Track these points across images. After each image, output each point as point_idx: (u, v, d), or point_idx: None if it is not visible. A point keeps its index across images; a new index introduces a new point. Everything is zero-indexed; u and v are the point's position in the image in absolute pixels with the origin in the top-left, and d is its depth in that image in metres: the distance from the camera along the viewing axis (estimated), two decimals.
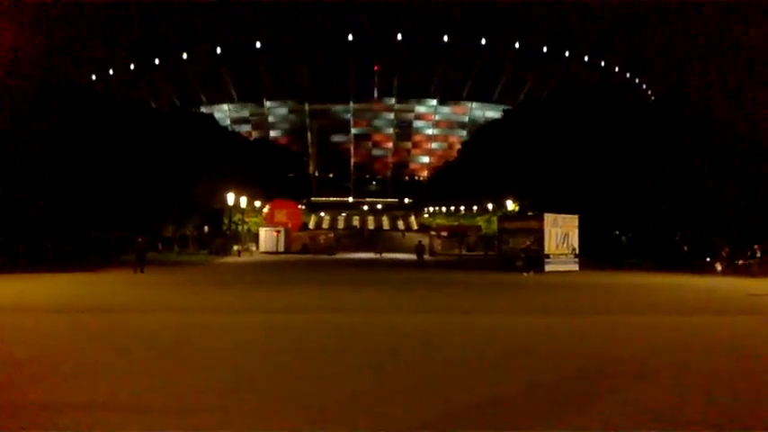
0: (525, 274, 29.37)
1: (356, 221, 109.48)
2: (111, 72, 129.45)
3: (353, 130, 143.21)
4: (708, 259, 37.93)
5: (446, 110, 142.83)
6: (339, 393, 6.50)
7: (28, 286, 21.32)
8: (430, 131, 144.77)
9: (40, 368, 7.71)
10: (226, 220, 62.90)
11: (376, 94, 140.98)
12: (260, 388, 6.77)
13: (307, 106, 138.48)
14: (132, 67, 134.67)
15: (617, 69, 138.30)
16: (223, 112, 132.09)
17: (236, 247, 56.51)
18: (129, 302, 16.43)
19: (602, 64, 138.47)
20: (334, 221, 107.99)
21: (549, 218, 33.74)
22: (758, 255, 32.10)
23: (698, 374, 7.75)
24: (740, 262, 34.04)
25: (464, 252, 67.06)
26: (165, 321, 12.58)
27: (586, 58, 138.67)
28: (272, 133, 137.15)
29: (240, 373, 7.48)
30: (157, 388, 6.69)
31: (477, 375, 7.59)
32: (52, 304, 15.75)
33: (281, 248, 63.84)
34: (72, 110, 37.18)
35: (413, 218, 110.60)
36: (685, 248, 42.74)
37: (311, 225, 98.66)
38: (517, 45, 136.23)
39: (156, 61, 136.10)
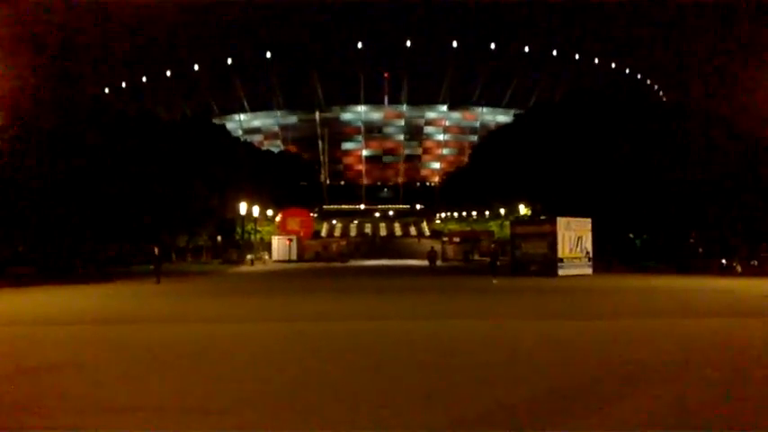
0: (495, 281, 27.30)
1: (368, 229, 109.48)
2: (123, 85, 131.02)
3: (364, 138, 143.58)
4: (723, 261, 37.60)
5: (456, 115, 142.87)
6: (350, 399, 6.54)
7: (45, 299, 21.57)
8: (441, 137, 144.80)
9: (68, 377, 7.84)
10: (239, 230, 63.19)
11: (386, 101, 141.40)
12: (274, 394, 6.83)
13: (318, 115, 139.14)
14: (144, 79, 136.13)
15: (628, 71, 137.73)
16: (235, 123, 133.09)
17: (249, 256, 56.78)
18: (150, 314, 16.60)
19: (613, 66, 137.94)
20: (346, 229, 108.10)
21: (561, 222, 33.55)
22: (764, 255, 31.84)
23: (716, 379, 7.70)
24: (754, 263, 33.73)
25: (476, 257, 66.87)
26: (187, 331, 12.70)
27: (597, 61, 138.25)
28: (284, 142, 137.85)
29: (255, 380, 7.55)
30: (179, 393, 6.79)
31: (488, 382, 7.59)
32: (72, 317, 15.96)
33: (294, 257, 64.08)
34: (86, 123, 37.67)
35: (425, 224, 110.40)
36: (700, 250, 42.37)
37: (323, 233, 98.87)
38: (527, 49, 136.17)
39: (168, 73, 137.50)
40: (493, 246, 33.67)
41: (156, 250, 30.57)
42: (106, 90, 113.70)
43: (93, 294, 23.07)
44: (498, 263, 30.18)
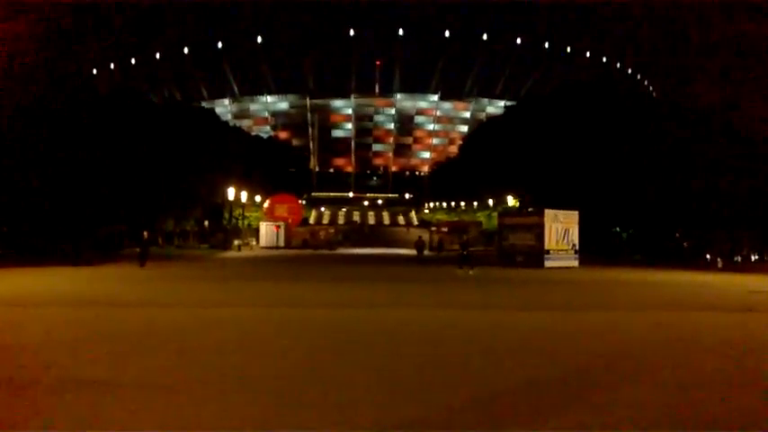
0: (459, 271, 26.90)
1: (357, 217, 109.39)
2: (111, 66, 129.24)
3: (354, 126, 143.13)
4: (708, 256, 38.01)
5: (447, 105, 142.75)
6: (335, 387, 6.53)
7: (31, 281, 21.35)
8: (431, 127, 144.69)
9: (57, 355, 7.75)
10: (226, 215, 62.95)
11: (377, 90, 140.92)
12: (250, 378, 6.80)
13: (308, 101, 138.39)
14: (133, 61, 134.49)
15: (618, 66, 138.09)
16: (224, 107, 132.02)
17: (236, 242, 56.59)
18: (129, 298, 16.47)
19: (604, 60, 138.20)
20: (334, 217, 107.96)
21: (549, 214, 33.71)
22: (745, 252, 32.31)
23: (697, 371, 7.78)
24: (738, 258, 34.17)
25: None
26: (170, 316, 12.62)
27: (588, 55, 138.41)
28: (273, 128, 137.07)
29: (235, 364, 7.53)
30: (164, 374, 6.74)
31: (475, 371, 7.62)
32: (57, 299, 15.83)
33: (282, 243, 63.92)
34: (72, 104, 37.18)
35: (413, 213, 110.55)
36: (685, 245, 42.80)
37: (312, 220, 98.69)
38: (519, 41, 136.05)
39: (158, 56, 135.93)
40: (465, 237, 33.36)
41: (145, 234, 30.37)
42: (94, 71, 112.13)
43: (76, 277, 22.85)
44: (466, 253, 28.74)
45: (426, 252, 43.50)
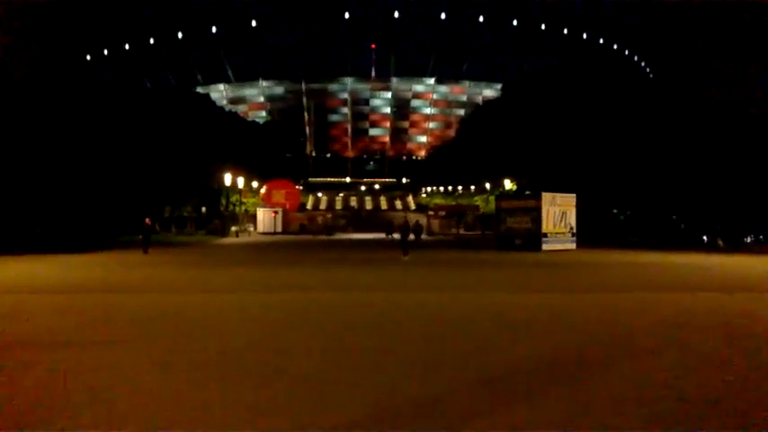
0: (405, 257, 25.71)
1: (354, 202, 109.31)
2: (105, 52, 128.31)
3: (350, 110, 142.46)
4: (705, 238, 38.12)
5: (444, 89, 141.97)
6: (331, 366, 6.55)
7: (34, 268, 21.31)
8: (428, 111, 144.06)
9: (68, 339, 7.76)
10: (223, 201, 62.83)
11: (373, 73, 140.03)
12: (244, 358, 6.82)
13: (303, 85, 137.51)
14: (127, 46, 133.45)
15: (615, 47, 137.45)
16: (219, 92, 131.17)
17: (233, 228, 56.55)
18: (140, 283, 16.48)
19: (601, 41, 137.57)
20: (331, 202, 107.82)
21: (546, 197, 33.75)
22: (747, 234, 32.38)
23: (696, 352, 7.82)
24: (749, 239, 34.27)
25: (462, 231, 67.21)
26: (178, 301, 12.64)
27: (585, 36, 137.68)
28: (269, 113, 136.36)
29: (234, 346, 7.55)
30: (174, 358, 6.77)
31: (471, 351, 7.65)
32: (60, 286, 15.82)
33: (279, 229, 63.94)
34: (66, 90, 36.90)
35: (410, 198, 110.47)
36: (682, 227, 42.90)
37: (309, 205, 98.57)
38: (515, 22, 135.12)
39: (152, 41, 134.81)
40: (405, 218, 32.79)
41: (148, 221, 30.35)
42: (87, 57, 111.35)
43: (69, 265, 22.85)
44: (410, 239, 27.15)
45: (423, 236, 43.52)
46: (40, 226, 35.85)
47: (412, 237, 27.93)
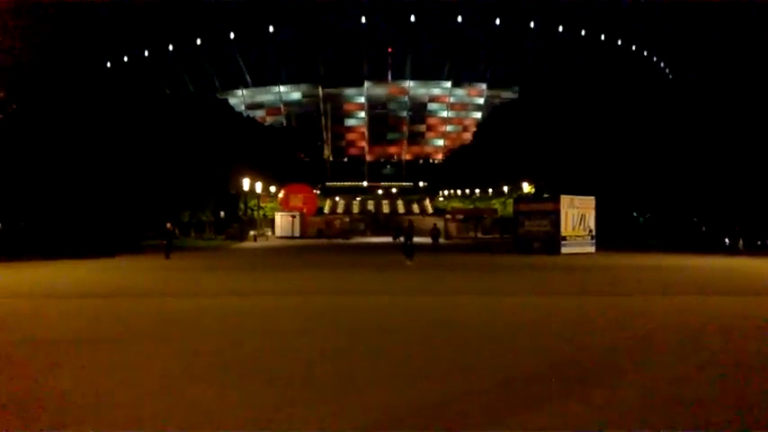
0: (409, 262, 24.48)
1: (371, 206, 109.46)
2: (125, 59, 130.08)
3: (367, 114, 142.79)
4: (726, 240, 37.57)
5: (460, 92, 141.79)
6: (349, 372, 6.59)
7: (58, 273, 21.64)
8: (444, 114, 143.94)
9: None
10: (242, 206, 63.27)
11: (390, 77, 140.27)
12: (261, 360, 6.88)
13: (320, 90, 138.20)
14: (146, 53, 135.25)
15: (634, 48, 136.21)
16: (238, 98, 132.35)
17: (252, 232, 56.95)
18: (165, 288, 16.70)
19: (619, 42, 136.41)
20: (348, 206, 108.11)
21: (565, 199, 33.48)
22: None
23: (716, 356, 7.73)
24: (759, 242, 33.73)
25: (479, 235, 66.98)
26: (202, 305, 12.79)
27: (603, 38, 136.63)
28: (287, 118, 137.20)
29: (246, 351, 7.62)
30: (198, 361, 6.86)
31: (488, 356, 7.64)
32: (101, 289, 16.06)
33: (297, 233, 64.22)
34: (87, 96, 37.47)
35: (428, 201, 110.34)
36: (703, 229, 42.32)
37: (326, 210, 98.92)
38: (532, 25, 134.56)
39: (171, 47, 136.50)
40: (409, 220, 32.23)
41: (169, 226, 30.70)
42: (108, 64, 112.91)
43: (101, 269, 23.17)
44: (409, 243, 25.22)
45: (441, 240, 43.39)
46: (69, 231, 36.38)
47: (430, 240, 27.20)
